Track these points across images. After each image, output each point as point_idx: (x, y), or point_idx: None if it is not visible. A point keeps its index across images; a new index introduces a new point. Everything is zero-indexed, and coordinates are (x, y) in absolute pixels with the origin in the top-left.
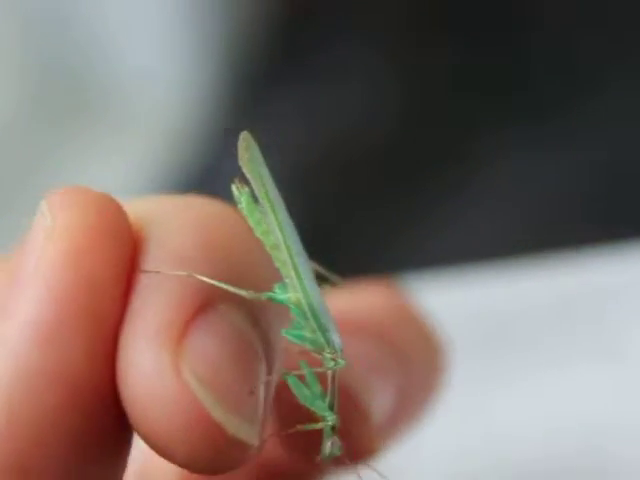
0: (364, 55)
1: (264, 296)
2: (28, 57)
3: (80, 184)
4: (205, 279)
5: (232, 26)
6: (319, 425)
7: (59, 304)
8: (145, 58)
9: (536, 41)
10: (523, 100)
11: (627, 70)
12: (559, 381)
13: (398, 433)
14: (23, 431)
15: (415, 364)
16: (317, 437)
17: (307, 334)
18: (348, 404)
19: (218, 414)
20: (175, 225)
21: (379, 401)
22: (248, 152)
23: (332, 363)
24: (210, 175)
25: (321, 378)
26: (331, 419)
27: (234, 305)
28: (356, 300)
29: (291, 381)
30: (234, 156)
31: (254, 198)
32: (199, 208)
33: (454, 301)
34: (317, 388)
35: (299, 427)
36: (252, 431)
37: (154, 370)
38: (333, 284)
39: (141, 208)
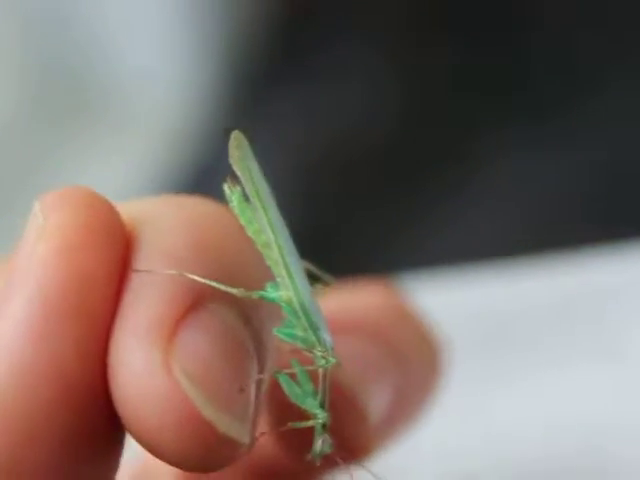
0: (364, 55)
1: (255, 294)
2: (28, 57)
3: (80, 184)
4: (196, 278)
5: (232, 26)
6: (310, 423)
7: (50, 302)
8: (145, 58)
9: (536, 41)
10: (523, 100)
11: (627, 70)
12: (559, 381)
13: (396, 433)
14: (15, 429)
15: (413, 364)
16: (311, 435)
17: (298, 332)
18: (345, 404)
19: (209, 412)
20: (167, 225)
21: (376, 401)
22: (239, 151)
23: (323, 361)
24: (209, 175)
25: (314, 377)
26: (322, 417)
27: (225, 304)
28: (354, 299)
29: (282, 379)
30: None
31: (246, 197)
32: (191, 208)
33: (454, 301)
34: (308, 386)
35: (290, 425)
36: (243, 429)
37: (145, 368)
38: (325, 283)
39: (134, 208)
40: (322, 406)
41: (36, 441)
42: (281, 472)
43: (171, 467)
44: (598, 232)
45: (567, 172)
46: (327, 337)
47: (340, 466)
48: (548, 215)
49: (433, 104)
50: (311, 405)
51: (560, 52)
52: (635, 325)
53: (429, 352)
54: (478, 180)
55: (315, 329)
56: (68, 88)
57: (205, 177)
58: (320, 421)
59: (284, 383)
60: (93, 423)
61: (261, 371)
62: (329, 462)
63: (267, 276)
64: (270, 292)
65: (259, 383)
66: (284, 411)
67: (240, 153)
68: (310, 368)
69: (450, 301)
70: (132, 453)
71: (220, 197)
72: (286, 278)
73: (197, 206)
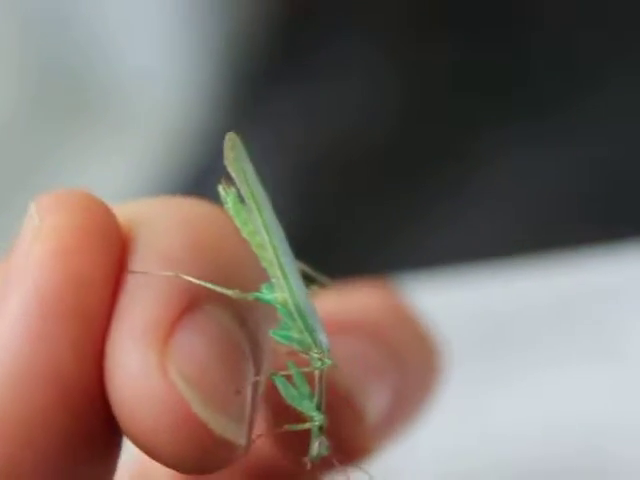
0: (364, 53)
1: (251, 296)
2: (28, 57)
3: (79, 184)
4: (192, 279)
5: (232, 25)
6: (306, 425)
7: (46, 303)
8: (145, 58)
9: (536, 38)
10: (523, 97)
11: (627, 67)
12: (558, 381)
13: (394, 434)
14: (11, 431)
15: (411, 364)
16: (308, 436)
17: (294, 334)
18: (343, 404)
19: (205, 414)
20: (163, 226)
21: (374, 402)
22: (233, 152)
23: (319, 363)
24: (209, 175)
25: (311, 378)
26: (318, 419)
27: (221, 305)
28: (352, 300)
29: (279, 381)
30: None
31: (241, 198)
32: (187, 209)
33: (453, 301)
34: (305, 388)
35: (287, 427)
36: (239, 431)
37: (141, 370)
38: (321, 285)
39: (130, 210)
40: (318, 408)
41: (33, 443)
42: (279, 474)
43: (169, 469)
44: (597, 232)
45: (567, 170)
46: (323, 339)
47: (337, 468)
48: (548, 214)
49: (433, 102)
50: (307, 407)
51: (560, 49)
52: (634, 325)
53: (428, 353)
54: (478, 178)
55: (311, 331)
56: (68, 88)
57: (205, 176)
58: (317, 423)
59: (280, 385)
60: (90, 425)
61: (257, 373)
62: (327, 464)
63: (263, 277)
64: (265, 293)
65: (255, 385)
66: (281, 413)
67: (235, 155)
68: (306, 370)
69: (449, 301)
70: (130, 455)
71: (219, 196)
72: (281, 279)
73: (193, 207)
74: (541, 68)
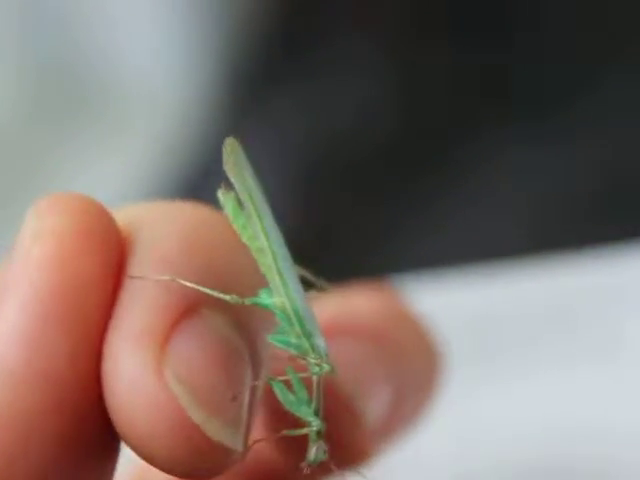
0: (364, 52)
1: (248, 301)
2: (27, 56)
3: (78, 184)
4: (189, 284)
5: (231, 24)
6: (304, 430)
7: (45, 306)
8: (144, 58)
9: (535, 38)
10: (523, 97)
11: (626, 67)
12: (559, 382)
13: (394, 437)
14: (9, 435)
15: (411, 367)
16: (306, 441)
17: (292, 339)
18: (342, 408)
19: (201, 419)
20: (162, 231)
21: (374, 405)
22: (233, 157)
23: (317, 368)
24: (209, 175)
25: (310, 383)
26: (316, 425)
27: (219, 310)
28: (351, 303)
29: (276, 387)
30: None
31: (240, 203)
32: (187, 214)
33: (453, 302)
34: (303, 394)
35: (285, 433)
36: (236, 436)
37: (137, 375)
38: (320, 289)
39: (129, 214)
40: (316, 413)
41: (30, 447)
42: (277, 479)
43: (166, 474)
44: (597, 232)
45: (566, 170)
46: (321, 344)
47: (336, 473)
48: (547, 214)
49: (433, 101)
50: (305, 413)
51: (559, 49)
52: (635, 325)
53: (427, 355)
54: (477, 178)
55: (309, 336)
56: (67, 88)
57: (204, 177)
58: (314, 429)
59: (278, 391)
60: (88, 429)
61: (255, 378)
62: (325, 469)
63: (261, 282)
64: (264, 298)
65: (253, 390)
66: (279, 418)
67: (234, 159)
68: (304, 375)
69: (448, 302)
70: (127, 459)
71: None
72: (279, 284)
73: (192, 212)
74: (541, 68)
